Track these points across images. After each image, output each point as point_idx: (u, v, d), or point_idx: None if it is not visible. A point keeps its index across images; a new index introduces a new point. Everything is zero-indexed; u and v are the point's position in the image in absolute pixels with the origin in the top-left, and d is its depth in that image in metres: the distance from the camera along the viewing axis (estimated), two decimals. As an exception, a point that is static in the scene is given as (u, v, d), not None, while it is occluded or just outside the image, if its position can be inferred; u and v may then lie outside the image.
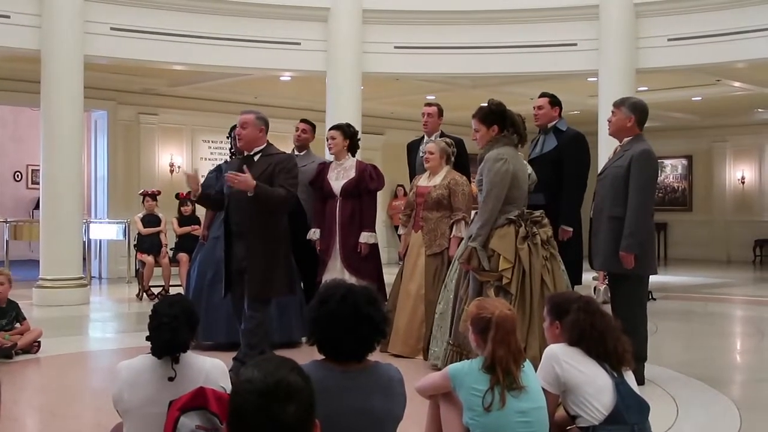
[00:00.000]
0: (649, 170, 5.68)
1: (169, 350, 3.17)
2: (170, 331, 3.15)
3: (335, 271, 7.10)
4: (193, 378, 3.15)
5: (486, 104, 5.98)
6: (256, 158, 5.92)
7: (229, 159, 7.51)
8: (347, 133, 7.38)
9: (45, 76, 10.25)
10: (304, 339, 7.00)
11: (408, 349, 6.74)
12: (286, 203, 5.94)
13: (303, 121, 8.09)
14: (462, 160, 7.19)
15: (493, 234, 5.57)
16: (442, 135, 7.45)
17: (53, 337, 7.51)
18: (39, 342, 7.02)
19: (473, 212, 6.12)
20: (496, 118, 5.79)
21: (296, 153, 7.91)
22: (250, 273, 5.78)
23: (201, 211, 8.48)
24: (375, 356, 3.00)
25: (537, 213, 5.75)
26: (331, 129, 7.48)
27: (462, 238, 6.32)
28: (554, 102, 7.04)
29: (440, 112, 7.70)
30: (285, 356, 1.94)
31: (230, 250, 5.99)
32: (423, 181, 7.01)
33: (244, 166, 5.76)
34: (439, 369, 5.87)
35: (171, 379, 3.13)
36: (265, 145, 5.97)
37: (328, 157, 7.60)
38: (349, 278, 6.92)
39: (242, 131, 5.93)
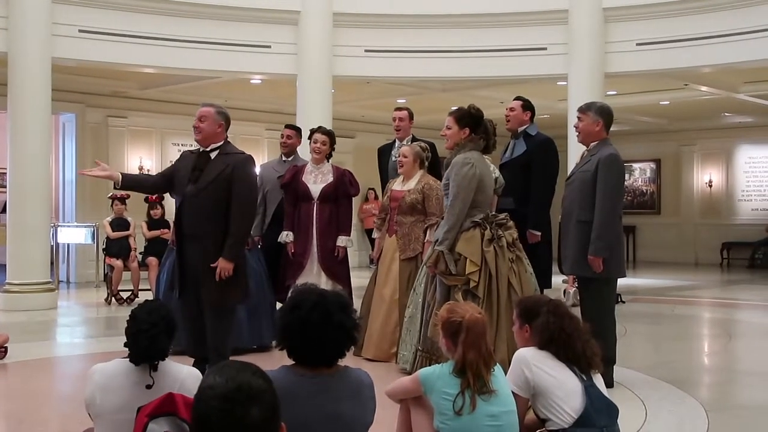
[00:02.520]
0: (615, 174, 5.72)
1: (148, 358, 3.14)
2: (149, 339, 3.12)
3: (311, 274, 7.07)
4: (168, 385, 3.12)
5: (466, 106, 5.97)
6: (212, 155, 5.59)
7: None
8: (333, 140, 7.35)
9: (12, 79, 10.15)
10: (274, 343, 7.02)
11: (381, 353, 6.73)
12: (251, 223, 5.82)
13: (288, 126, 8.02)
14: (434, 164, 7.19)
15: (459, 238, 5.58)
16: (414, 139, 7.46)
17: (20, 342, 7.43)
18: (6, 347, 6.94)
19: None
20: (471, 122, 5.79)
21: (284, 159, 7.86)
22: (207, 280, 5.45)
23: (170, 215, 8.42)
24: (348, 361, 3.00)
25: (501, 216, 5.76)
26: (322, 133, 7.29)
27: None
28: (527, 106, 7.07)
29: (411, 116, 7.72)
30: (246, 361, 1.94)
31: (182, 252, 5.63)
32: (397, 185, 7.01)
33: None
34: (408, 373, 5.89)
35: (149, 386, 3.11)
36: (222, 142, 5.64)
37: (308, 158, 7.51)
38: (326, 282, 6.94)
39: (200, 124, 5.58)
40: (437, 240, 5.67)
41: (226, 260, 5.44)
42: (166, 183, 5.80)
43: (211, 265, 5.42)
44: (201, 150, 5.66)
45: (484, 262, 5.50)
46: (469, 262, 5.49)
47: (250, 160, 5.71)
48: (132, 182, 5.96)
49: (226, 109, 5.78)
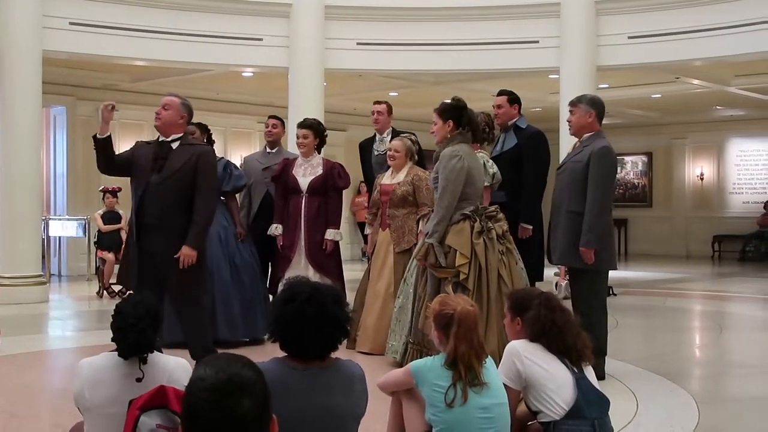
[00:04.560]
0: (608, 167, 5.73)
1: (137, 351, 3.14)
2: (136, 333, 3.11)
3: (299, 267, 7.05)
4: (157, 377, 3.12)
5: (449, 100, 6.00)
6: (174, 146, 5.55)
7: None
8: (318, 131, 7.30)
9: (2, 72, 10.10)
10: (266, 336, 7.02)
11: (377, 347, 6.66)
12: (214, 214, 5.80)
13: (272, 117, 8.02)
14: (419, 156, 7.17)
15: (449, 230, 5.58)
16: (395, 132, 7.49)
17: (11, 336, 7.40)
18: (-3, 341, 6.94)
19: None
20: (453, 114, 5.79)
21: (268, 150, 7.85)
22: (173, 272, 5.41)
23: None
24: (342, 354, 3.00)
25: (492, 208, 5.76)
26: (303, 127, 7.27)
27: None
28: (513, 99, 7.06)
29: (390, 110, 7.73)
30: (236, 353, 1.94)
31: (141, 243, 5.49)
32: (386, 179, 7.00)
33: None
34: (398, 363, 5.90)
35: (139, 380, 3.10)
36: (183, 134, 5.63)
37: (293, 150, 7.51)
38: (314, 275, 6.90)
39: (163, 111, 5.54)
40: (427, 233, 5.68)
41: (191, 248, 5.42)
42: (126, 166, 5.66)
43: (175, 255, 5.39)
44: (161, 139, 5.61)
45: (474, 254, 5.51)
46: (458, 254, 5.49)
47: (213, 152, 5.84)
48: (110, 145, 5.72)
49: (190, 102, 5.77)
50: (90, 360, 3.22)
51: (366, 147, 7.91)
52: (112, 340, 3.17)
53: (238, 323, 7.10)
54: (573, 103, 5.95)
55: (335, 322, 2.85)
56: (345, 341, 3.25)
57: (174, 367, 3.21)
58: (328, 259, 7.17)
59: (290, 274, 6.83)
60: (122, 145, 14.53)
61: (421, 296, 5.82)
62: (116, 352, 3.17)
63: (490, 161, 6.51)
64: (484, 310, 5.40)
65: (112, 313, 3.22)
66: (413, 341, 5.88)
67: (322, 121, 7.66)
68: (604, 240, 5.72)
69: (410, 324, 6.10)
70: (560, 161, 6.25)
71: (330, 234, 7.13)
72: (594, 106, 5.86)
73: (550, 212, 6.02)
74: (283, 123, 8.00)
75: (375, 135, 7.79)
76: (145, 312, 3.16)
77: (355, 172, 8.62)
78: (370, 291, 6.92)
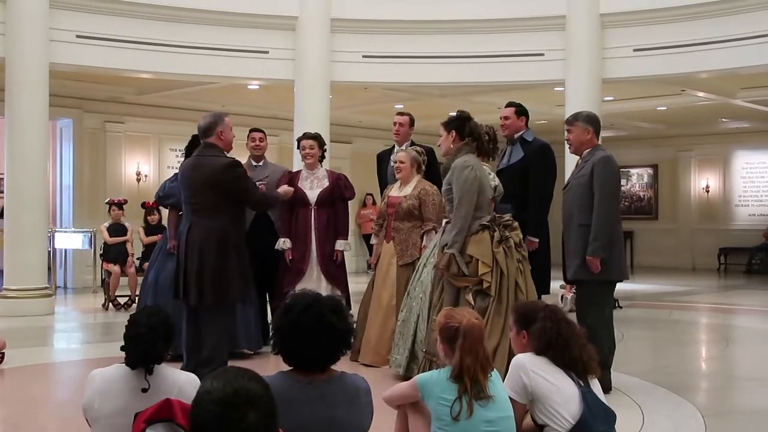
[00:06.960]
0: (610, 173, 5.75)
1: (144, 361, 3.15)
2: (146, 343, 3.13)
3: (311, 280, 7.07)
4: (166, 391, 3.13)
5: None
6: None
7: None
8: (322, 143, 7.37)
9: (9, 84, 10.15)
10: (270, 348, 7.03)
11: (379, 359, 6.68)
12: None
13: (256, 129, 7.93)
14: (433, 169, 7.18)
15: (469, 241, 5.61)
16: (412, 144, 7.46)
17: (17, 348, 7.41)
18: (3, 353, 6.93)
19: (444, 222, 6.10)
20: (457, 124, 5.89)
21: (254, 163, 7.76)
22: None
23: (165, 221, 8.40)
24: (345, 366, 3.00)
25: (507, 217, 5.80)
26: (307, 138, 7.34)
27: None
28: (520, 112, 7.06)
29: (412, 122, 7.68)
30: (244, 367, 1.94)
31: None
32: (394, 191, 7.02)
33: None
34: (402, 377, 5.90)
35: (144, 390, 3.11)
36: None
37: (297, 166, 7.51)
38: (326, 286, 6.97)
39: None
40: (446, 244, 5.70)
41: None
42: None
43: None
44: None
45: (495, 262, 5.56)
46: (481, 263, 5.53)
47: None
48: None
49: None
50: (101, 371, 3.24)
51: (383, 158, 7.89)
52: (122, 349, 3.18)
53: (239, 335, 7.09)
54: (569, 122, 6.02)
55: (332, 332, 2.84)
56: (348, 353, 3.25)
57: (185, 382, 3.22)
58: (339, 270, 7.21)
59: (302, 286, 6.82)
60: (129, 157, 14.71)
61: (436, 306, 5.82)
62: (125, 363, 3.18)
63: (492, 174, 6.52)
64: (502, 315, 5.44)
65: (126, 324, 3.23)
66: (425, 350, 5.88)
67: (328, 133, 7.68)
68: (613, 250, 5.71)
69: (413, 336, 6.11)
70: (566, 173, 6.26)
71: (340, 245, 7.17)
72: (591, 122, 5.92)
73: (562, 230, 6.01)
74: (266, 136, 8.00)
75: (393, 146, 7.78)
76: (158, 323, 3.18)
77: (361, 185, 8.64)
78: (374, 302, 6.92)
